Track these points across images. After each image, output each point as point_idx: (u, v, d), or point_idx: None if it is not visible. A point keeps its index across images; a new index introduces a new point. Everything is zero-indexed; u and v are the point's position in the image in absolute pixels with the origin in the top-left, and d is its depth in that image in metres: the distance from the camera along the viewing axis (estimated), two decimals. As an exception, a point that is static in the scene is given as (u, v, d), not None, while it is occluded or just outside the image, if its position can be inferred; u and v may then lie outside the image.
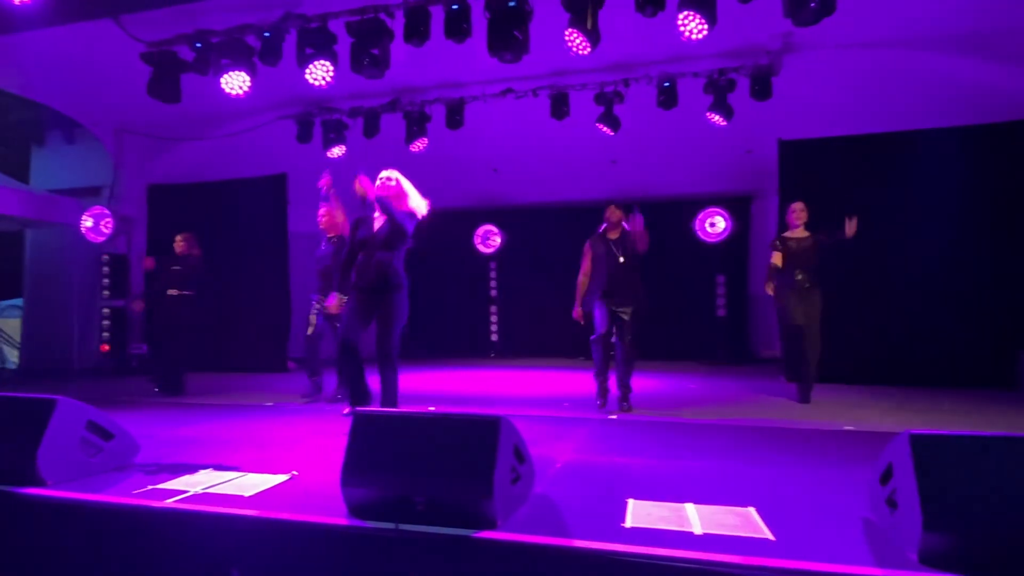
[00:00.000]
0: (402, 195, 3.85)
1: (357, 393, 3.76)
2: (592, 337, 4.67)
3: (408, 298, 3.83)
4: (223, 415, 4.56)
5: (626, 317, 4.53)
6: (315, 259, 5.23)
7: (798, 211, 5.02)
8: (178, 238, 5.78)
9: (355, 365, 3.78)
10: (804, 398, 4.91)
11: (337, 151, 7.29)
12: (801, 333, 4.90)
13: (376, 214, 3.89)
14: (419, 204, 3.88)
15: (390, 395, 3.75)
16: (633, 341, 4.57)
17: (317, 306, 5.17)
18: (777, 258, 4.99)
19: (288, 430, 3.97)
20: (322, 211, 5.18)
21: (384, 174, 3.86)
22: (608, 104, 6.62)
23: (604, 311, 4.57)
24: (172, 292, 5.63)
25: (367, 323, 3.82)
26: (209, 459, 3.14)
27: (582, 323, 4.77)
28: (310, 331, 5.19)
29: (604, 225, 4.67)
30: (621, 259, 4.55)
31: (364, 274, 3.77)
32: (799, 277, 4.90)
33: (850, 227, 4.71)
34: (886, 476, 2.10)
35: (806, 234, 5.01)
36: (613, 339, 4.63)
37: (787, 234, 5.07)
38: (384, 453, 2.24)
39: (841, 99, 6.63)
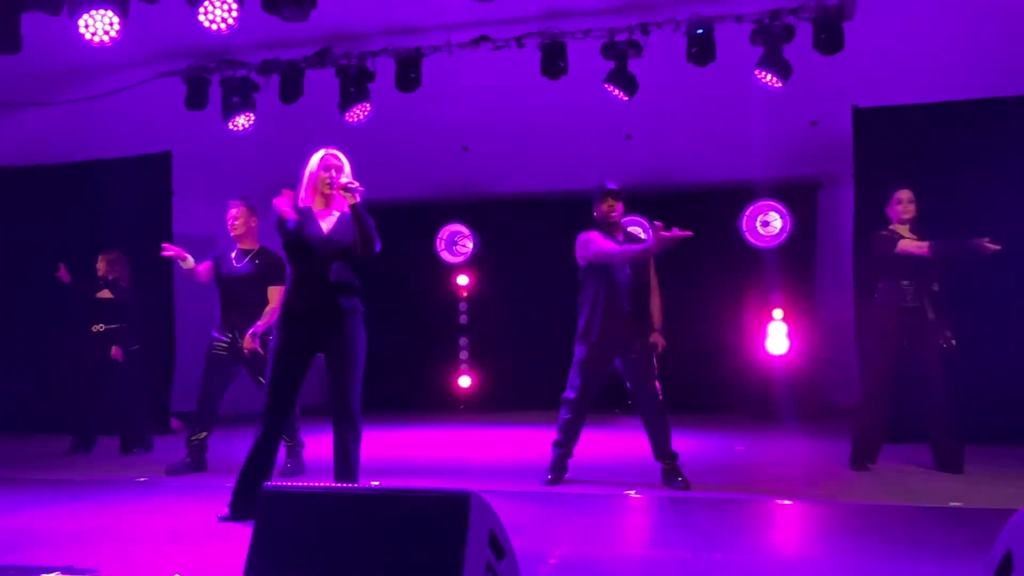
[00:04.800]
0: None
1: (252, 474, 3.74)
2: (565, 394, 4.65)
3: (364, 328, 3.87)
4: (76, 496, 4.53)
5: (635, 355, 4.51)
6: (220, 279, 5.24)
7: (904, 202, 4.96)
8: (101, 257, 6.26)
9: (275, 435, 3.80)
10: (945, 463, 4.89)
11: (243, 122, 7.26)
12: (882, 381, 4.91)
13: (332, 210, 3.89)
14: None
15: (351, 467, 3.75)
16: (658, 385, 4.57)
17: (222, 345, 5.19)
18: (909, 243, 4.80)
19: (169, 517, 3.94)
20: (234, 212, 5.20)
21: (328, 155, 3.86)
22: (620, 58, 6.68)
23: (599, 356, 4.54)
24: (98, 328, 6.14)
25: (307, 367, 3.83)
26: (55, 559, 3.09)
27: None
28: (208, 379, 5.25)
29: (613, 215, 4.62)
30: (628, 271, 4.57)
31: (304, 294, 3.76)
32: (907, 292, 4.86)
33: (985, 244, 4.62)
34: (1004, 569, 2.11)
35: (914, 236, 4.95)
36: (594, 397, 4.63)
37: (895, 227, 5.00)
38: (305, 549, 2.21)
39: (940, 51, 6.76)
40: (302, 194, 3.88)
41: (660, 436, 4.59)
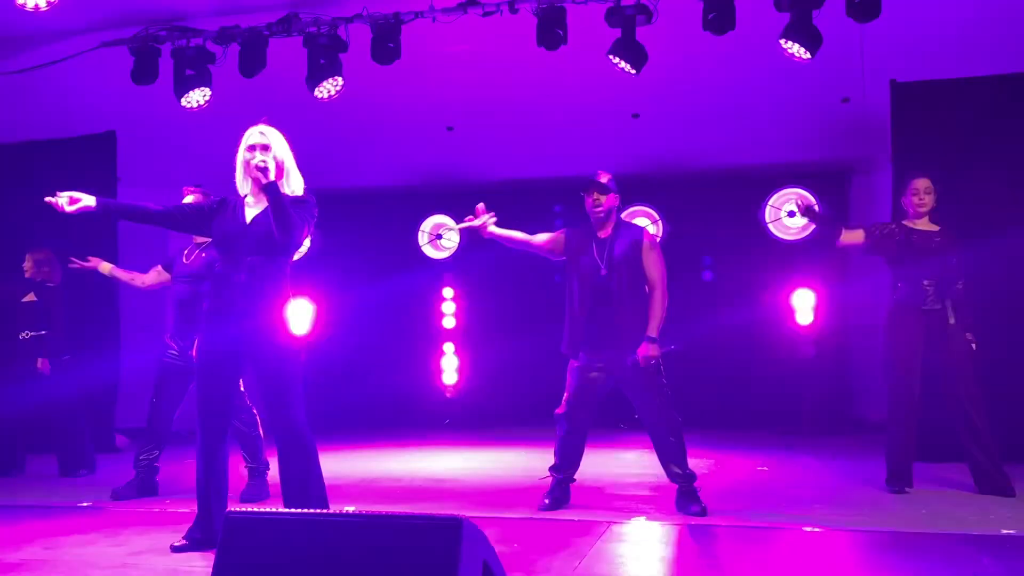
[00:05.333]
0: (282, 169, 3.83)
1: (204, 498, 3.76)
2: (557, 408, 4.71)
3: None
4: (7, 524, 4.49)
5: (628, 367, 4.51)
6: (173, 277, 5.30)
7: (921, 192, 5.06)
8: (29, 257, 6.29)
9: (213, 451, 3.77)
10: (991, 486, 4.90)
11: (197, 98, 7.22)
12: (906, 395, 4.94)
13: (248, 198, 3.89)
14: (298, 186, 3.89)
15: (306, 490, 3.71)
16: (668, 398, 4.55)
17: (175, 353, 5.21)
18: (856, 235, 5.06)
19: (115, 547, 3.90)
20: (190, 201, 5.15)
21: (253, 133, 3.83)
22: (627, 26, 6.66)
23: (585, 364, 4.60)
24: (25, 335, 6.20)
25: (238, 373, 3.84)
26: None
27: None
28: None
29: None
30: (603, 272, 4.59)
31: (222, 295, 3.77)
32: (927, 293, 4.94)
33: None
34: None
35: (935, 228, 5.06)
36: (592, 413, 4.65)
37: (908, 222, 5.11)
38: (273, 581, 2.20)
39: (991, 17, 6.72)
40: (237, 181, 3.88)
41: (669, 457, 4.58)
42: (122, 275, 5.56)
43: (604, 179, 4.65)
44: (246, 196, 3.88)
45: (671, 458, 4.57)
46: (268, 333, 3.72)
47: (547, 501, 4.69)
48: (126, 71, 7.19)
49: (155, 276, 5.46)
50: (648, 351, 4.44)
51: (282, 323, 3.76)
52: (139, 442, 5.42)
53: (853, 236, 5.10)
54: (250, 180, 3.80)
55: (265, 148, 3.76)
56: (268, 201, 3.67)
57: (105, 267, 5.46)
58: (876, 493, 5.09)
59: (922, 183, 5.06)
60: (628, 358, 4.50)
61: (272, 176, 3.66)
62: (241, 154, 3.82)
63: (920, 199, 5.04)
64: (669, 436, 4.55)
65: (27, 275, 6.32)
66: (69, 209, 3.83)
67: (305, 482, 3.72)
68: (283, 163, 3.82)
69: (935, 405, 5.12)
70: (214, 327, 3.79)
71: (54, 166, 7.76)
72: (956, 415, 4.95)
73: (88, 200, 3.84)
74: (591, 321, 4.58)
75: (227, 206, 3.90)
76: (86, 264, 5.44)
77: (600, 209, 4.63)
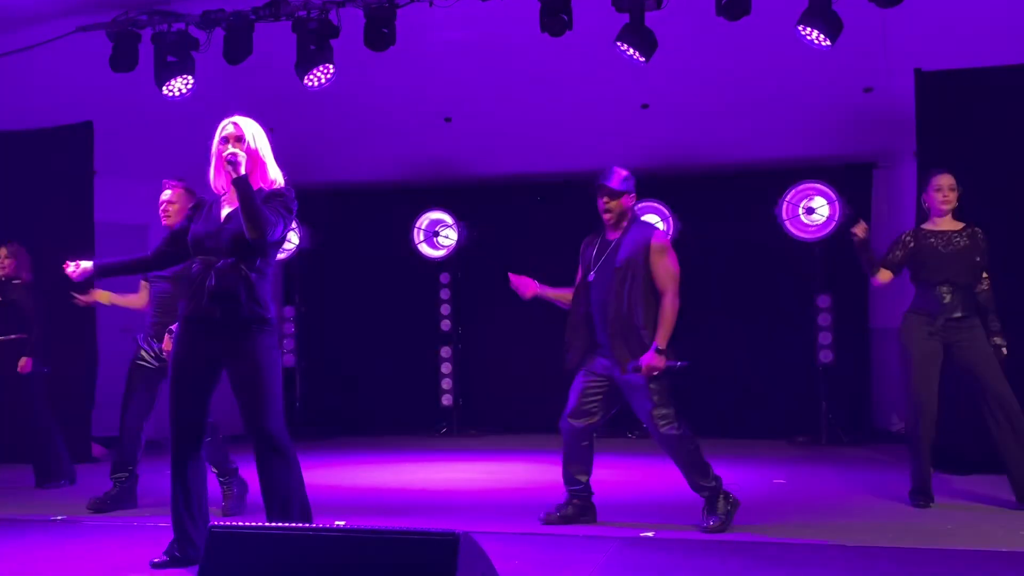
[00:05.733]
0: (259, 160, 3.82)
1: (179, 512, 3.79)
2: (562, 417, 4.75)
3: (276, 339, 3.85)
4: (-23, 538, 4.51)
5: (627, 377, 4.51)
6: (151, 276, 5.32)
7: (945, 188, 5.06)
8: (1, 252, 6.25)
9: (186, 463, 3.79)
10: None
11: (179, 86, 7.22)
12: (923, 407, 4.96)
13: (226, 195, 3.89)
14: (277, 178, 3.89)
15: (286, 503, 3.71)
16: (668, 412, 4.52)
17: (148, 355, 5.23)
18: (886, 275, 5.11)
19: (92, 563, 3.90)
20: (169, 195, 5.19)
21: (226, 124, 3.84)
22: (636, 10, 6.65)
23: (584, 374, 4.65)
24: None
25: (212, 382, 3.84)
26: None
27: None
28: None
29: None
30: (591, 277, 4.61)
31: (198, 297, 3.76)
32: (945, 299, 4.96)
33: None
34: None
35: (959, 226, 5.06)
36: (602, 417, 4.67)
37: (927, 226, 5.15)
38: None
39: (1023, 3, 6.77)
40: (210, 177, 3.88)
41: (682, 471, 4.59)
42: (123, 301, 5.56)
43: (616, 182, 4.63)
44: (225, 194, 3.88)
45: (686, 470, 4.57)
46: (243, 337, 3.72)
47: (550, 514, 4.69)
48: (104, 57, 7.17)
49: (145, 293, 5.49)
50: (652, 361, 4.41)
51: (259, 326, 3.75)
52: (113, 452, 5.42)
53: (884, 277, 5.14)
54: (223, 175, 3.79)
55: (239, 139, 3.76)
56: (237, 196, 3.65)
57: (105, 297, 5.46)
58: (898, 507, 5.09)
59: (945, 180, 5.06)
60: (620, 368, 4.50)
61: (243, 170, 3.63)
62: (214, 148, 3.82)
63: (944, 196, 5.04)
64: (674, 455, 4.56)
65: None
66: (73, 275, 4.02)
67: (286, 494, 3.72)
68: (257, 153, 3.80)
69: (959, 415, 5.12)
70: (188, 332, 3.81)
71: (27, 158, 7.76)
72: (990, 424, 4.93)
73: (86, 264, 3.99)
74: (583, 326, 4.65)
75: (203, 207, 3.93)
76: (89, 298, 5.42)
77: (610, 215, 4.66)
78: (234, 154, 3.64)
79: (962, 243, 5.00)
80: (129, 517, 5.03)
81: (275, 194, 3.79)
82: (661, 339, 4.46)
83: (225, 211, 3.83)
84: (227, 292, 3.68)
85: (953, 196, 5.04)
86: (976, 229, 5.05)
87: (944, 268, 4.96)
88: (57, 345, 6.79)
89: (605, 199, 4.64)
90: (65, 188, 7.70)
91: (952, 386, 5.11)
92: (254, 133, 3.83)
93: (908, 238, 5.10)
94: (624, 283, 4.54)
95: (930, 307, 5.00)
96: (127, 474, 5.29)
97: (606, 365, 4.60)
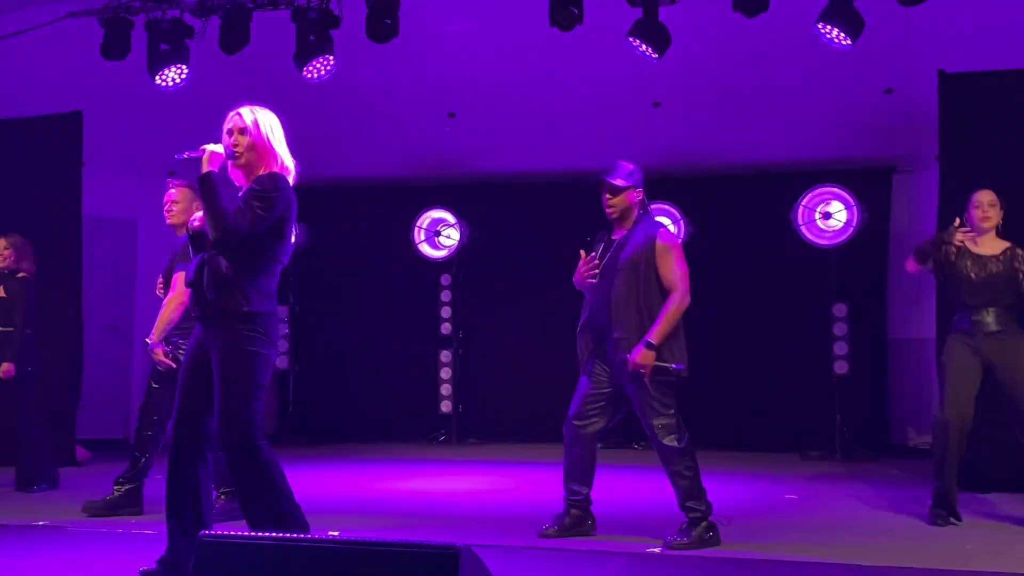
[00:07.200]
0: (267, 151, 3.75)
1: (172, 517, 3.72)
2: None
3: (267, 339, 3.74)
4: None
5: (626, 379, 4.46)
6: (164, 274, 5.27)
7: (984, 206, 5.03)
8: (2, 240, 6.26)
9: (184, 465, 3.72)
10: None
11: (173, 75, 7.21)
12: (953, 421, 4.91)
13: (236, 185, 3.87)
14: (290, 166, 3.83)
15: (259, 511, 3.63)
16: (671, 423, 4.45)
17: (162, 355, 5.15)
18: (965, 236, 4.95)
19: (77, 571, 3.93)
20: (173, 195, 5.19)
21: (231, 116, 3.79)
22: (650, 5, 6.66)
23: (590, 368, 4.67)
24: None
25: (209, 378, 3.76)
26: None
27: None
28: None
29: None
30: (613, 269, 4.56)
31: (194, 295, 3.78)
32: (982, 319, 4.92)
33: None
34: None
35: (998, 250, 5.00)
36: (605, 424, 4.64)
37: (970, 243, 5.03)
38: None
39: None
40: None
41: (675, 488, 4.48)
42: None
43: (618, 177, 4.61)
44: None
45: (679, 487, 4.47)
46: (219, 331, 3.67)
47: (550, 527, 4.65)
48: (95, 45, 7.17)
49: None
50: (640, 358, 4.32)
51: (232, 319, 3.66)
52: (139, 449, 5.34)
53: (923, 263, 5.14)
54: (230, 168, 3.78)
55: (242, 131, 3.71)
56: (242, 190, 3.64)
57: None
58: (915, 524, 5.07)
59: (985, 196, 5.05)
60: (619, 366, 4.47)
61: (207, 167, 3.58)
62: (223, 140, 3.79)
63: (983, 213, 5.02)
64: (666, 466, 4.48)
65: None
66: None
67: (256, 499, 3.64)
68: (266, 144, 3.73)
69: (979, 431, 5.09)
70: (193, 331, 3.86)
71: (13, 148, 7.80)
72: None
73: None
74: (589, 327, 4.66)
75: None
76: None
77: (613, 211, 4.65)
78: (202, 150, 3.62)
79: (995, 269, 4.95)
80: (114, 524, 4.99)
81: (251, 191, 3.69)
82: (655, 334, 4.35)
83: None
84: (204, 283, 3.65)
85: (994, 212, 5.02)
86: (1018, 251, 4.97)
87: (976, 294, 4.96)
88: (42, 343, 6.76)
89: (608, 195, 4.64)
90: (52, 179, 7.75)
91: (989, 402, 5.05)
92: (259, 122, 3.75)
93: (954, 249, 5.00)
94: (629, 282, 4.49)
95: (968, 328, 4.99)
96: (134, 475, 5.28)
97: (603, 368, 4.59)
